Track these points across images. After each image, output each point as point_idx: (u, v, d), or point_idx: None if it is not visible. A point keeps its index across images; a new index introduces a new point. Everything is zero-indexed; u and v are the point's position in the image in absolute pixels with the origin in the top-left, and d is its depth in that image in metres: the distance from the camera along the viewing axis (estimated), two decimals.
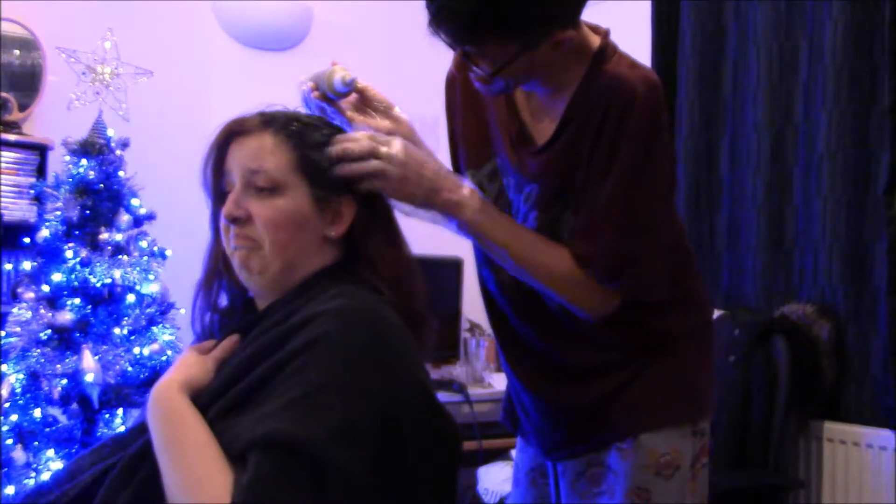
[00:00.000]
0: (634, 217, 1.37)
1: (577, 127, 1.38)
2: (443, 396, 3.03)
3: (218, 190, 1.27)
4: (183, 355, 1.22)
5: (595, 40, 1.41)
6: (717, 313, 2.72)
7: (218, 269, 1.31)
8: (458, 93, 1.55)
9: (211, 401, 1.12)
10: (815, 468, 2.64)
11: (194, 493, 1.02)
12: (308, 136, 1.26)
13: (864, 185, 2.60)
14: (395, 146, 1.32)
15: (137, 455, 1.12)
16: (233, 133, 1.26)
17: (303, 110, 1.40)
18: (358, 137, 1.29)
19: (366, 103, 1.49)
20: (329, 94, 1.45)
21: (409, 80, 2.86)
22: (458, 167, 1.56)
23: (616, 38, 1.43)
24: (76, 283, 2.63)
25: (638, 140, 1.34)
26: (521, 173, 1.44)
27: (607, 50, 1.39)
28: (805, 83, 2.76)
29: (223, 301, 1.33)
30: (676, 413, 1.46)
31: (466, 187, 1.40)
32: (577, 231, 1.39)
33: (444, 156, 1.57)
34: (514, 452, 1.73)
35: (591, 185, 1.37)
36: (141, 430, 1.17)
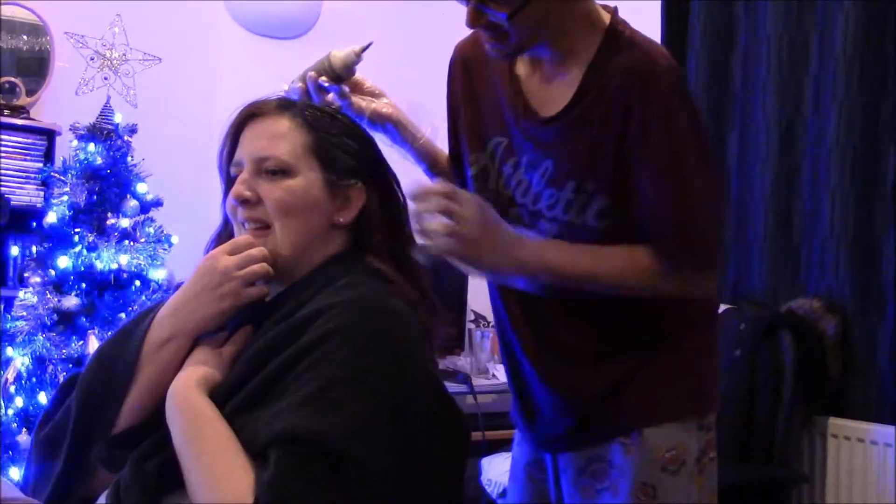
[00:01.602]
0: (699, 195, 1.38)
1: (594, 99, 1.37)
2: (447, 387, 3.02)
3: (230, 173, 1.27)
4: (196, 351, 1.20)
5: (606, 16, 1.41)
6: (723, 307, 2.71)
7: None
8: (460, 78, 1.54)
9: (226, 396, 1.12)
10: (820, 464, 2.64)
11: (217, 491, 1.02)
12: (325, 121, 1.27)
13: (873, 179, 2.58)
14: (466, 204, 1.31)
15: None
16: (250, 115, 1.27)
17: None
18: (429, 192, 1.30)
19: (360, 92, 1.50)
20: (340, 74, 1.45)
21: (417, 66, 2.85)
22: (458, 153, 1.55)
23: None
24: (82, 268, 2.63)
25: (669, 118, 1.34)
26: (537, 149, 1.43)
27: (619, 26, 1.39)
28: (815, 76, 2.74)
29: None
30: (679, 407, 1.45)
31: (529, 239, 1.39)
32: (650, 233, 1.39)
33: (441, 142, 1.58)
34: None
35: (633, 177, 1.36)
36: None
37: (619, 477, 1.43)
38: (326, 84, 1.44)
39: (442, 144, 1.59)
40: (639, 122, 1.33)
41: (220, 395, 1.12)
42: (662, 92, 1.33)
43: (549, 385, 1.50)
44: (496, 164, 1.48)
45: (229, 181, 1.27)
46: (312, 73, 1.45)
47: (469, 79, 1.52)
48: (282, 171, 1.21)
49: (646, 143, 1.34)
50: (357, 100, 1.48)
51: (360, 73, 1.50)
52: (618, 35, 1.38)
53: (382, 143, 1.48)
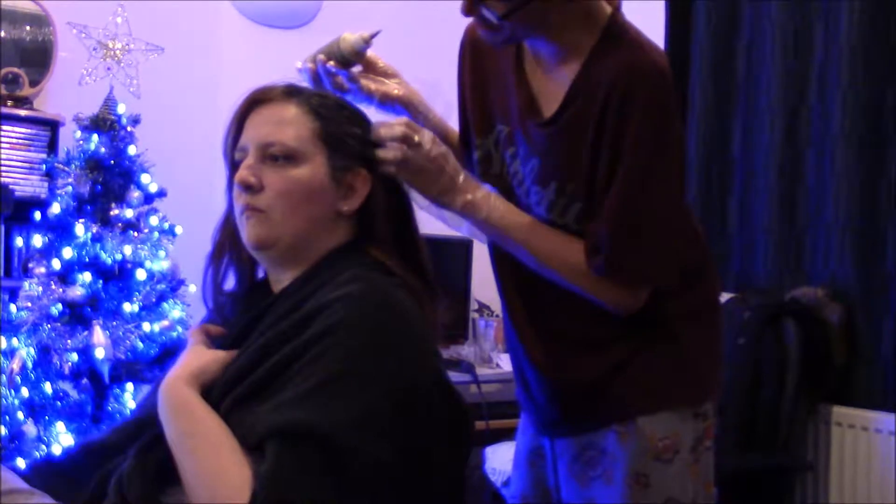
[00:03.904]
0: (646, 210, 1.35)
1: (582, 105, 1.36)
2: (451, 376, 3.03)
3: (234, 159, 1.27)
4: (190, 347, 1.20)
5: (607, 10, 1.39)
6: (727, 295, 2.71)
7: (227, 242, 1.30)
8: (469, 62, 1.54)
9: (226, 390, 1.12)
10: (824, 452, 2.64)
11: (213, 488, 1.02)
12: (331, 109, 1.27)
13: (878, 168, 2.58)
14: (426, 136, 1.32)
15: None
16: (256, 101, 1.26)
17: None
18: (393, 123, 1.30)
19: (374, 72, 1.51)
20: (349, 58, 1.47)
21: (420, 55, 2.84)
22: (467, 137, 1.55)
23: (630, 17, 1.41)
24: (87, 259, 2.63)
25: (646, 126, 1.32)
26: (528, 145, 1.43)
27: (617, 27, 1.38)
28: (820, 64, 2.74)
29: (231, 276, 1.33)
30: (673, 396, 1.44)
31: (483, 189, 1.40)
32: (590, 226, 1.38)
33: (455, 122, 1.58)
34: None
35: (599, 175, 1.35)
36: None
37: (612, 465, 1.43)
38: (335, 69, 1.45)
39: (455, 125, 1.59)
40: (614, 121, 1.32)
41: (221, 388, 1.12)
42: (645, 98, 1.32)
43: (542, 371, 1.50)
44: (499, 151, 1.48)
45: (234, 167, 1.26)
46: (322, 57, 1.46)
47: (478, 63, 1.52)
48: (286, 157, 1.21)
49: (616, 145, 1.33)
50: (366, 82, 1.48)
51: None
52: (614, 33, 1.37)
53: None
